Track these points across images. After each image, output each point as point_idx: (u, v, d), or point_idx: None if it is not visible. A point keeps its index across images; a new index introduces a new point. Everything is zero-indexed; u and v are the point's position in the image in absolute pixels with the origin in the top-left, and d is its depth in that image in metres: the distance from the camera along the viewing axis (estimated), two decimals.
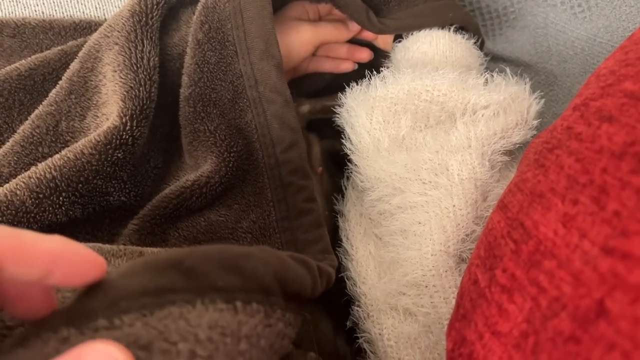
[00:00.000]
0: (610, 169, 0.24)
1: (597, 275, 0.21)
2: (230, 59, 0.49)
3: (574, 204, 0.25)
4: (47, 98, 0.51)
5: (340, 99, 0.52)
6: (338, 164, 0.56)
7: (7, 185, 0.42)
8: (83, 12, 0.68)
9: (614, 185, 0.23)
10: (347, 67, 0.59)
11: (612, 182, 0.24)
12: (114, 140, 0.45)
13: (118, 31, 0.50)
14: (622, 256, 0.21)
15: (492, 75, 0.49)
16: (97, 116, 0.50)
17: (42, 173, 0.43)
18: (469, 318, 0.30)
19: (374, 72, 0.51)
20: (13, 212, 0.41)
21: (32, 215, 0.42)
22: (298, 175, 0.46)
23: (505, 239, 0.29)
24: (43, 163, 0.44)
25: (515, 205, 0.30)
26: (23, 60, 0.55)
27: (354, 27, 0.57)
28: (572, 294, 0.22)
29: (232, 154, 0.48)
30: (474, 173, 0.43)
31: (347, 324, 0.47)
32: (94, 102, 0.51)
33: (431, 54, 0.51)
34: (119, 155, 0.46)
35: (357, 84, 0.51)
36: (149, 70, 0.48)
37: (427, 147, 0.45)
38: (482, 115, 0.45)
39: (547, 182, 0.28)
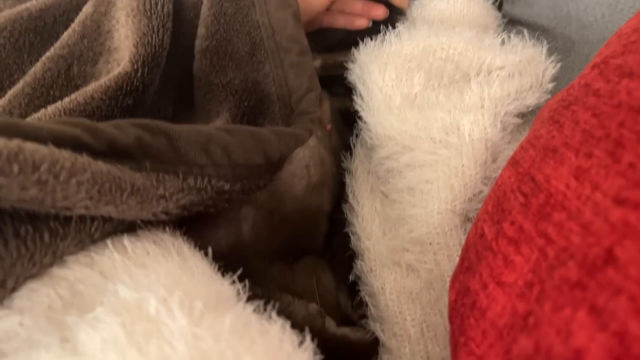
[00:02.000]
0: (627, 123, 0.24)
1: (607, 225, 0.21)
2: (247, 9, 0.48)
3: (588, 157, 0.25)
4: (59, 41, 0.50)
5: (353, 55, 0.52)
6: (347, 121, 0.56)
7: None
8: None
9: (630, 139, 0.23)
10: (362, 23, 0.58)
11: (628, 136, 0.23)
12: (124, 87, 0.45)
13: None
14: (634, 206, 0.21)
15: (509, 37, 0.48)
16: (109, 61, 0.50)
17: (52, 116, 0.43)
18: (473, 270, 0.30)
19: (389, 29, 0.51)
20: None
21: None
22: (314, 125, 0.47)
23: (514, 193, 0.29)
24: (53, 106, 0.44)
25: (526, 161, 0.30)
26: (34, 1, 0.55)
27: None
28: (580, 244, 0.22)
29: (245, 108, 0.48)
30: (485, 134, 0.42)
31: (350, 277, 0.47)
32: (107, 47, 0.50)
33: (448, 12, 0.50)
34: (129, 102, 0.46)
35: (371, 40, 0.51)
36: (162, 17, 0.48)
37: (439, 105, 0.45)
38: (497, 76, 0.44)
39: (561, 137, 0.28)
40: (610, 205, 0.22)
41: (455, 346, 0.29)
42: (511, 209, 0.29)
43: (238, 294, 0.32)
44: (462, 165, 0.42)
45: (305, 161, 0.49)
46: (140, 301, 0.26)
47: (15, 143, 0.25)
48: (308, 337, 0.27)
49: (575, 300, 0.21)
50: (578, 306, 0.20)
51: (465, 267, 0.31)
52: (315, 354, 0.27)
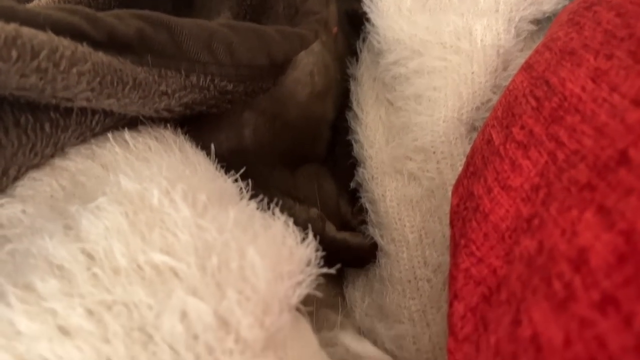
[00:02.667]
0: None
1: (623, 127, 0.21)
2: None
3: (607, 58, 0.24)
4: None
5: None
6: (354, 24, 0.54)
7: None
8: None
9: None
10: None
11: None
12: None
13: None
14: None
15: None
16: None
17: (47, 2, 0.41)
18: (478, 174, 0.30)
19: None
20: None
21: None
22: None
23: (526, 98, 0.29)
24: None
25: (541, 64, 0.29)
26: None
27: None
28: (593, 146, 0.22)
29: (247, 7, 0.46)
30: (498, 39, 0.41)
31: (351, 185, 0.47)
32: None
33: None
34: None
35: None
36: None
37: (452, 8, 0.43)
38: None
39: (581, 39, 0.27)
40: (628, 106, 0.21)
41: (455, 248, 0.29)
42: (522, 113, 0.28)
43: (241, 192, 0.31)
44: (472, 72, 0.41)
45: (309, 67, 0.48)
46: (142, 192, 0.25)
47: (12, 27, 0.24)
48: (310, 234, 0.27)
49: (583, 201, 0.20)
50: (585, 207, 0.20)
51: (470, 172, 0.31)
52: (316, 250, 0.27)
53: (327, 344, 0.42)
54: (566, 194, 0.22)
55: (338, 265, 0.27)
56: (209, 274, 0.22)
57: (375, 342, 0.43)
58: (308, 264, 0.26)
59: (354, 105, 0.49)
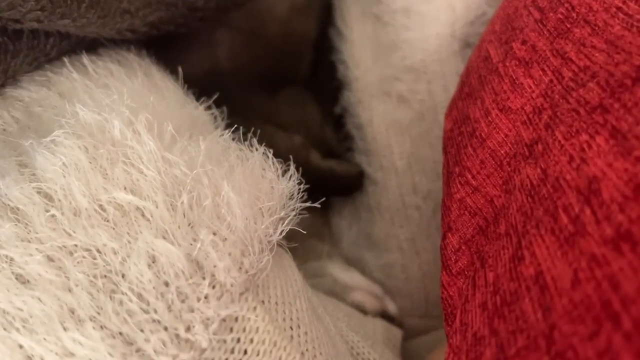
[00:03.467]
0: None
1: None
2: None
3: None
4: None
5: None
6: None
7: None
8: None
9: None
10: None
11: None
12: None
13: None
14: None
15: None
16: None
17: None
18: (475, 95, 0.27)
19: None
20: None
21: None
22: None
23: (528, 9, 0.26)
24: None
25: None
26: None
27: None
28: (605, 61, 0.20)
29: None
30: None
31: (336, 109, 0.44)
32: None
33: None
34: None
35: None
36: None
37: None
38: None
39: None
40: None
41: (448, 177, 0.27)
42: (523, 26, 0.25)
43: (215, 120, 0.29)
44: None
45: None
46: (102, 124, 0.23)
47: None
48: (292, 166, 0.25)
49: (595, 124, 0.18)
50: (597, 131, 0.18)
51: (466, 93, 0.28)
52: (299, 183, 0.25)
53: (314, 275, 0.41)
54: (574, 117, 0.19)
55: (323, 199, 0.25)
56: (180, 214, 0.20)
57: (363, 272, 0.42)
58: (290, 198, 0.24)
59: (338, 21, 0.45)
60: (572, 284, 0.15)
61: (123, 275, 0.19)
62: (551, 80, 0.22)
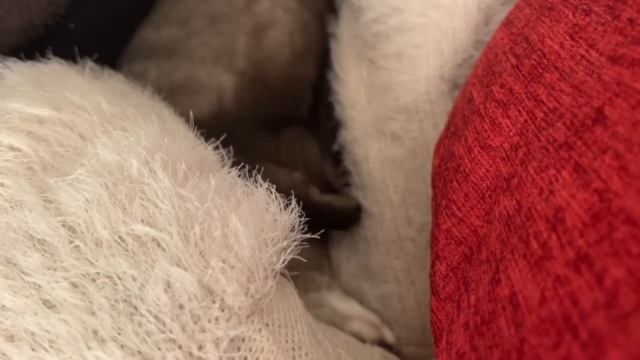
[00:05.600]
0: None
1: (600, 85, 0.21)
2: None
3: (586, 14, 0.24)
4: None
5: None
6: None
7: None
8: None
9: None
10: None
11: None
12: None
13: None
14: (629, 64, 0.20)
15: None
16: None
17: None
18: (459, 134, 0.30)
19: None
20: None
21: None
22: None
23: (506, 55, 0.28)
24: None
25: (521, 20, 0.29)
26: None
27: None
28: (570, 104, 0.22)
29: None
30: None
31: (334, 147, 0.47)
32: None
33: None
34: None
35: None
36: None
37: None
38: None
39: None
40: (604, 63, 0.21)
41: (436, 209, 0.29)
42: (502, 71, 0.28)
43: (222, 159, 0.31)
44: (453, 28, 0.40)
45: (289, 27, 0.47)
46: (121, 163, 0.25)
47: None
48: (294, 200, 0.28)
49: (561, 160, 0.20)
50: (562, 166, 0.20)
51: (451, 132, 0.31)
52: (300, 216, 0.27)
53: (314, 306, 0.43)
54: (544, 153, 0.22)
55: (322, 230, 0.27)
56: (192, 244, 0.22)
57: (361, 302, 0.44)
58: (292, 229, 0.26)
59: (335, 65, 0.48)
60: (540, 302, 0.17)
61: (142, 299, 0.21)
62: (526, 120, 0.25)
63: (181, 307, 0.21)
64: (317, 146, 0.48)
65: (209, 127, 0.37)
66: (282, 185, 0.42)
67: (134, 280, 0.21)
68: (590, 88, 0.21)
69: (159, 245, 0.22)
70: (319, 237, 0.27)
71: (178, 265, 0.22)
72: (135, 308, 0.21)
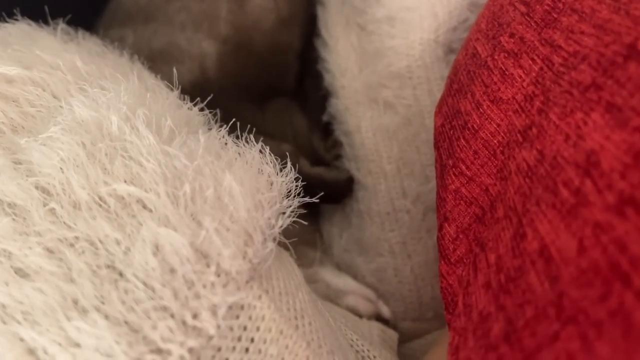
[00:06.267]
0: None
1: (629, 20, 0.19)
2: None
3: None
4: None
5: None
6: None
7: None
8: None
9: None
10: None
11: None
12: None
13: None
14: None
15: None
16: None
17: None
18: (464, 90, 0.28)
19: None
20: None
21: None
22: None
23: (514, 4, 0.27)
24: None
25: None
26: None
27: None
28: (594, 45, 0.20)
29: None
30: None
31: (323, 118, 0.45)
32: None
33: None
34: None
35: None
36: None
37: None
38: None
39: None
40: None
41: (442, 170, 0.28)
42: (510, 21, 0.26)
43: (209, 121, 0.29)
44: None
45: None
46: (100, 120, 0.23)
47: None
48: (289, 163, 0.25)
49: (589, 102, 0.19)
50: (592, 108, 0.18)
51: (455, 89, 0.29)
52: (296, 180, 0.25)
53: (307, 281, 0.41)
54: (568, 98, 0.20)
55: (318, 197, 0.25)
56: (182, 204, 0.20)
57: (355, 277, 0.42)
58: (288, 194, 0.24)
59: (322, 32, 0.46)
60: (578, 252, 0.16)
61: (127, 264, 0.19)
62: (541, 68, 0.23)
63: (172, 271, 0.19)
64: (305, 117, 0.46)
65: (191, 97, 0.35)
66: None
67: (118, 244, 0.19)
68: (618, 25, 0.20)
69: (145, 206, 0.20)
70: (317, 201, 0.25)
71: (167, 227, 0.19)
72: (120, 274, 0.19)
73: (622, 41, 0.19)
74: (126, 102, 0.23)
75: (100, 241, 0.19)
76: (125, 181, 0.21)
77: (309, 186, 0.42)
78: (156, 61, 0.41)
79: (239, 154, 0.24)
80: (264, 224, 0.21)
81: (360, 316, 0.37)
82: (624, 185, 0.15)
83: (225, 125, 0.33)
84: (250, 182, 0.22)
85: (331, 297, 0.39)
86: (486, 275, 0.20)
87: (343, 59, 0.44)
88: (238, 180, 0.21)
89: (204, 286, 0.19)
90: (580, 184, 0.17)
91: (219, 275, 0.19)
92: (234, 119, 0.41)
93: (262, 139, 0.40)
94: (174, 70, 0.40)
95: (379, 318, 0.38)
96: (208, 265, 0.19)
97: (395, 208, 0.40)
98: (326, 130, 0.46)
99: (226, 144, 0.24)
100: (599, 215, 0.16)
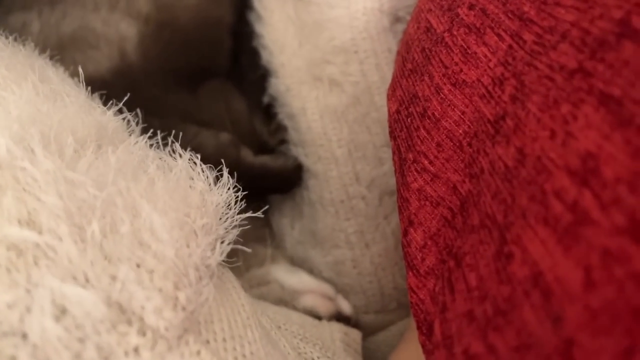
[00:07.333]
0: None
1: None
2: None
3: None
4: None
5: None
6: None
7: None
8: None
9: None
10: None
11: None
12: None
13: None
14: None
15: None
16: None
17: None
18: (420, 71, 0.24)
19: None
20: None
21: None
22: None
23: None
24: None
25: None
26: None
27: None
28: (575, 19, 0.17)
29: None
30: None
31: (264, 99, 0.41)
32: None
33: None
34: None
35: None
36: None
37: None
38: None
39: None
40: None
41: (401, 165, 0.24)
42: None
43: (128, 125, 0.25)
44: None
45: None
46: None
47: None
48: (225, 172, 0.22)
49: (577, 91, 0.16)
50: (582, 99, 0.15)
51: (409, 69, 0.26)
52: (236, 189, 0.22)
53: (259, 283, 0.37)
54: (548, 85, 0.17)
55: (264, 209, 0.22)
56: (91, 247, 0.16)
57: (311, 271, 0.39)
58: (228, 207, 0.21)
59: (255, 4, 0.41)
60: (586, 287, 0.13)
61: (24, 336, 0.15)
62: (510, 46, 0.20)
63: (82, 340, 0.15)
64: (243, 100, 0.42)
65: (111, 86, 0.30)
66: (208, 150, 0.36)
67: (10, 308, 0.15)
68: None
69: (44, 254, 0.16)
70: (262, 215, 0.22)
71: (73, 280, 0.15)
72: (16, 348, 0.15)
73: (612, 16, 0.16)
74: (18, 118, 0.19)
75: None
76: (19, 222, 0.16)
77: (254, 177, 0.38)
78: (67, 49, 0.36)
79: (162, 169, 0.20)
80: (197, 258, 0.18)
81: (320, 317, 0.34)
82: (636, 201, 0.13)
83: (151, 120, 0.29)
84: (177, 207, 0.18)
85: (286, 299, 0.36)
86: (467, 301, 0.17)
87: (280, 34, 0.40)
88: (161, 208, 0.17)
89: (126, 353, 0.15)
90: (578, 196, 0.14)
91: (144, 335, 0.15)
92: (162, 109, 0.37)
93: (195, 132, 0.37)
94: (89, 61, 0.35)
95: (339, 316, 0.35)
96: (129, 324, 0.15)
97: (350, 195, 0.37)
98: (268, 112, 0.42)
99: (146, 158, 0.20)
100: (608, 240, 0.13)
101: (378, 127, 0.37)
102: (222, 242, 0.19)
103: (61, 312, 0.15)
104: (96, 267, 0.16)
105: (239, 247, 0.19)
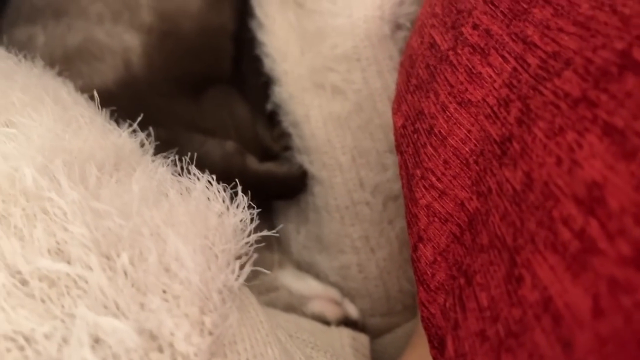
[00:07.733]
0: None
1: (617, 20, 0.17)
2: None
3: None
4: None
5: None
6: None
7: None
8: None
9: None
10: None
11: None
12: None
13: None
14: None
15: None
16: None
17: None
18: (425, 88, 0.25)
19: None
20: None
21: None
22: None
23: None
24: None
25: None
26: None
27: None
28: (578, 47, 0.18)
29: None
30: None
31: (267, 107, 0.41)
32: None
33: None
34: None
35: None
36: None
37: None
38: None
39: None
40: None
41: (409, 180, 0.25)
42: (471, 8, 0.23)
43: (142, 144, 0.25)
44: None
45: None
46: (10, 174, 0.19)
47: None
48: (239, 190, 0.22)
49: (582, 120, 0.16)
50: (586, 128, 0.16)
51: (414, 85, 0.26)
52: (250, 208, 0.22)
53: (267, 290, 0.38)
54: (554, 112, 0.18)
55: (279, 227, 0.22)
56: (121, 276, 0.17)
57: (317, 276, 0.40)
58: (244, 227, 0.21)
59: (257, 11, 0.42)
60: (594, 315, 0.13)
61: None
62: (515, 69, 0.20)
63: None
64: (247, 107, 0.43)
65: (117, 98, 0.31)
66: (215, 159, 0.37)
67: (48, 339, 0.16)
68: (605, 25, 0.17)
69: (75, 284, 0.17)
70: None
71: (105, 310, 0.16)
72: None
73: (614, 46, 0.16)
74: (42, 147, 0.20)
75: (26, 338, 0.16)
76: (49, 253, 0.17)
77: (260, 184, 0.39)
78: (73, 62, 0.37)
79: (180, 193, 0.20)
80: (220, 281, 0.18)
81: (328, 323, 0.35)
82: None
83: (158, 129, 0.29)
84: (198, 232, 0.19)
85: (295, 304, 0.36)
86: (479, 321, 0.18)
87: (282, 41, 0.40)
88: (183, 233, 0.18)
89: None
90: (585, 224, 0.15)
91: None
92: (167, 118, 0.38)
93: (200, 141, 0.37)
94: (95, 73, 0.35)
95: (347, 321, 0.36)
96: (161, 351, 0.16)
97: (354, 201, 0.38)
98: (272, 118, 0.43)
99: (164, 182, 0.21)
100: (615, 269, 0.14)
101: (381, 133, 0.38)
102: (242, 263, 0.20)
103: (96, 342, 0.16)
104: (126, 296, 0.17)
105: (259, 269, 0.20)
